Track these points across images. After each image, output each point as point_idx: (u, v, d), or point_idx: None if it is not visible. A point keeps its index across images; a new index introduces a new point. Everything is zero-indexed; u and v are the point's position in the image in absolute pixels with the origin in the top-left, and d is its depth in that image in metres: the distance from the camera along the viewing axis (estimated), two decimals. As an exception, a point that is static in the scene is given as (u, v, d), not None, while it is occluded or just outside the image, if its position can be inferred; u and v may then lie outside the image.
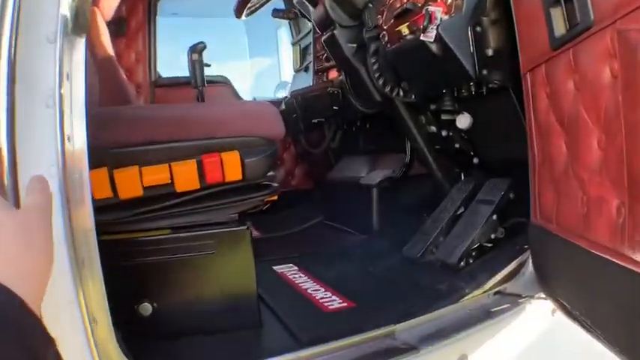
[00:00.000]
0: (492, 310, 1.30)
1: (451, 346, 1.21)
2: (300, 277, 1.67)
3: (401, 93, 1.67)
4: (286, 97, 2.54)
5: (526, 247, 1.38)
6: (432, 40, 1.39)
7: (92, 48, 2.17)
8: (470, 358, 1.22)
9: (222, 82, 3.03)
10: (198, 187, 1.16)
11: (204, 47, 2.15)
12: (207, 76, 2.87)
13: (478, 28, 1.37)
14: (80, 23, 0.80)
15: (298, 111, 2.16)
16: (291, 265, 1.82)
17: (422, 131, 1.80)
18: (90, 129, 1.06)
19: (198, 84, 2.13)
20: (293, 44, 3.00)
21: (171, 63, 2.99)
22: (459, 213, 1.61)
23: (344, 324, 1.28)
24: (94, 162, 1.08)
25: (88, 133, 0.85)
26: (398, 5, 1.63)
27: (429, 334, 1.22)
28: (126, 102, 2.16)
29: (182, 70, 2.88)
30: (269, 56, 3.73)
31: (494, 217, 1.49)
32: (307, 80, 2.49)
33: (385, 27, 1.72)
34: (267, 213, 2.56)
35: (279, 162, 2.94)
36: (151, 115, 1.17)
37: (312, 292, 1.52)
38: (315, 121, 2.26)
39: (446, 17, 1.39)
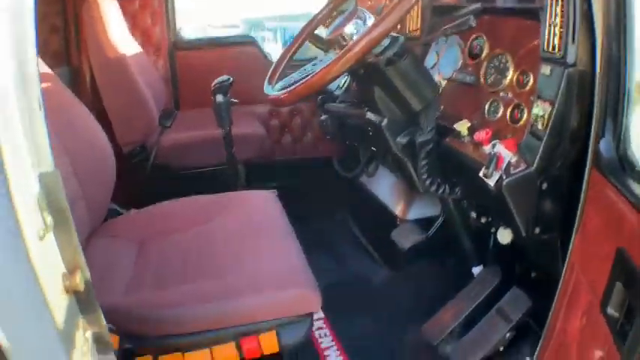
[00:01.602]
0: None
1: None
2: (327, 336, 1.85)
3: (447, 190, 1.61)
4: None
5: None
6: (491, 185, 1.31)
7: (97, 48, 2.08)
8: None
9: (248, 42, 2.79)
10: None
11: (231, 84, 2.00)
12: (231, 37, 2.72)
13: (545, 185, 1.30)
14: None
15: (330, 130, 2.03)
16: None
17: (460, 211, 1.78)
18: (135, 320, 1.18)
19: (224, 127, 2.04)
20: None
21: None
22: (478, 307, 1.69)
23: None
24: (139, 349, 1.21)
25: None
26: None
27: None
28: (140, 105, 2.13)
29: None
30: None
31: (508, 334, 1.59)
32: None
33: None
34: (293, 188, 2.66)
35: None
36: (192, 313, 1.23)
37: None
38: (348, 143, 2.18)
39: (514, 159, 1.30)
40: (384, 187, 2.23)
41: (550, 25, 1.22)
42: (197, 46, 2.74)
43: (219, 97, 1.95)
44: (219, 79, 1.98)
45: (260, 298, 1.26)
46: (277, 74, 1.61)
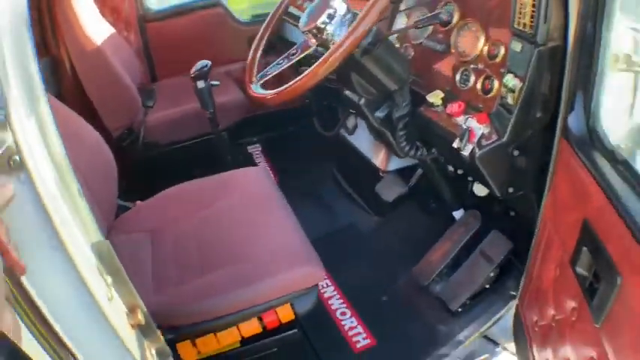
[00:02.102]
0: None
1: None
2: (328, 286, 2.04)
3: (424, 153, 1.74)
4: None
5: (513, 293, 1.74)
6: (465, 155, 1.44)
7: (72, 38, 2.07)
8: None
9: (214, 4, 2.75)
10: (260, 331, 1.46)
11: (209, 69, 2.04)
12: (197, 1, 2.70)
13: (516, 152, 1.42)
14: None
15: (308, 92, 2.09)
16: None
17: (437, 165, 1.92)
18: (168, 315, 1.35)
19: (208, 109, 2.12)
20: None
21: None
22: (463, 249, 1.90)
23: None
24: (178, 337, 1.38)
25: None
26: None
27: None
28: (121, 88, 2.17)
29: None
30: None
31: (492, 274, 1.79)
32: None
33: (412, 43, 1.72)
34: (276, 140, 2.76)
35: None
36: (217, 302, 1.38)
37: (341, 319, 1.92)
38: (326, 103, 2.25)
39: (486, 130, 1.42)
40: (363, 140, 2.33)
41: (520, 3, 1.28)
42: (165, 15, 2.71)
43: (201, 83, 2.03)
44: (198, 65, 2.03)
45: (274, 281, 1.41)
46: (255, 67, 1.63)
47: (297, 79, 1.36)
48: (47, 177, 0.71)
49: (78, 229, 0.78)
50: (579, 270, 1.12)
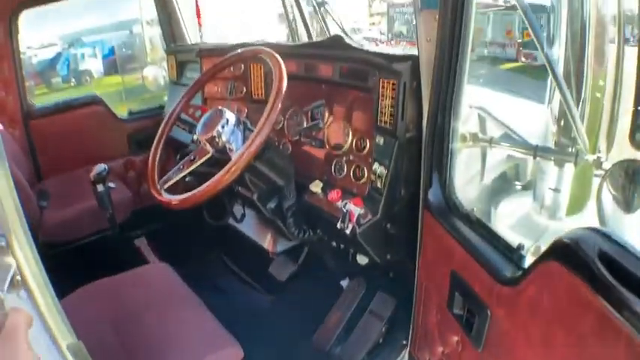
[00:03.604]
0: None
1: None
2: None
3: (311, 234, 1.98)
4: None
5: (405, 342, 1.99)
6: (347, 233, 1.67)
7: None
8: None
9: (94, 102, 2.87)
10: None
11: (108, 173, 2.17)
12: (79, 98, 2.81)
13: (389, 225, 1.69)
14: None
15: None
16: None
17: (321, 243, 2.17)
18: None
19: (107, 209, 2.24)
20: (167, 53, 2.91)
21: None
22: (354, 313, 2.15)
23: None
24: None
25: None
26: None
27: None
28: (18, 192, 2.17)
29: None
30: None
31: (383, 329, 2.07)
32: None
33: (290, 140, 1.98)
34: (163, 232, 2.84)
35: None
36: None
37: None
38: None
39: (362, 211, 1.66)
40: (251, 226, 2.54)
41: (381, 105, 1.61)
42: (48, 112, 2.75)
43: (100, 187, 2.12)
44: (97, 170, 2.14)
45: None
46: (156, 172, 1.80)
47: (203, 186, 1.54)
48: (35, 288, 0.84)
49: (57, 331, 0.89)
50: (456, 311, 1.42)
